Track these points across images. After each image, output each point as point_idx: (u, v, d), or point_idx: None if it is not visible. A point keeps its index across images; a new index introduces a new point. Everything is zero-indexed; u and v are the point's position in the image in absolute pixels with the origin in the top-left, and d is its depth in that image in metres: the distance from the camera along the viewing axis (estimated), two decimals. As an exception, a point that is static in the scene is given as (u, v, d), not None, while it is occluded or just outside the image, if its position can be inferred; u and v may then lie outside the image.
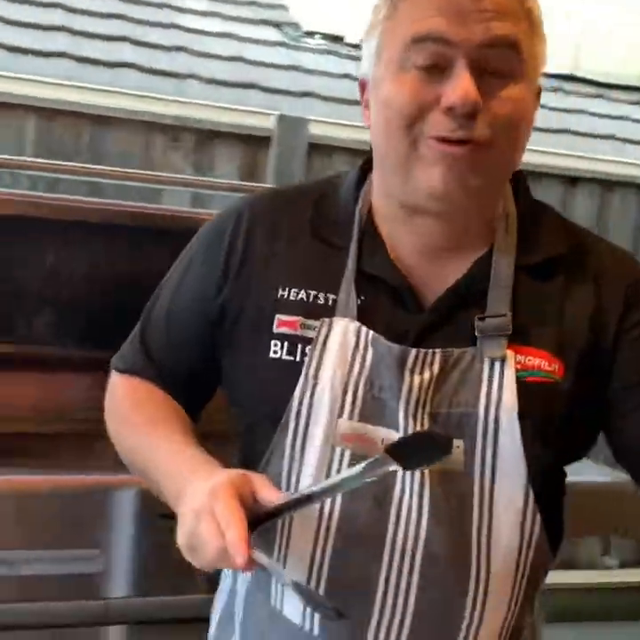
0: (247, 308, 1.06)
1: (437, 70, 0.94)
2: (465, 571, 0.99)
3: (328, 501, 0.98)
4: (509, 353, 0.99)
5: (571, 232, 1.10)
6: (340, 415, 1.00)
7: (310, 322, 1.02)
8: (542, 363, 1.00)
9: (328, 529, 0.99)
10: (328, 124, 3.60)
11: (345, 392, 1.00)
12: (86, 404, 1.94)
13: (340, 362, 1.01)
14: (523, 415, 0.98)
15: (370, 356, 1.01)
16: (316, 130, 3.45)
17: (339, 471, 0.99)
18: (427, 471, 0.97)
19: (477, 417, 0.99)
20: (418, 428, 0.99)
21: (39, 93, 3.18)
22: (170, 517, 0.96)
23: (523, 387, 0.99)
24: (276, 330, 1.04)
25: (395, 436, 0.99)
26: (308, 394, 1.01)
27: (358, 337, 1.01)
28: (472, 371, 0.99)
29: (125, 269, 2.03)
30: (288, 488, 1.01)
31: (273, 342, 1.03)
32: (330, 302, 1.03)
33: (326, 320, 1.02)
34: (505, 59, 0.95)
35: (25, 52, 3.68)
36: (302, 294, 1.04)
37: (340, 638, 1.01)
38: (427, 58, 0.94)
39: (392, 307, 1.03)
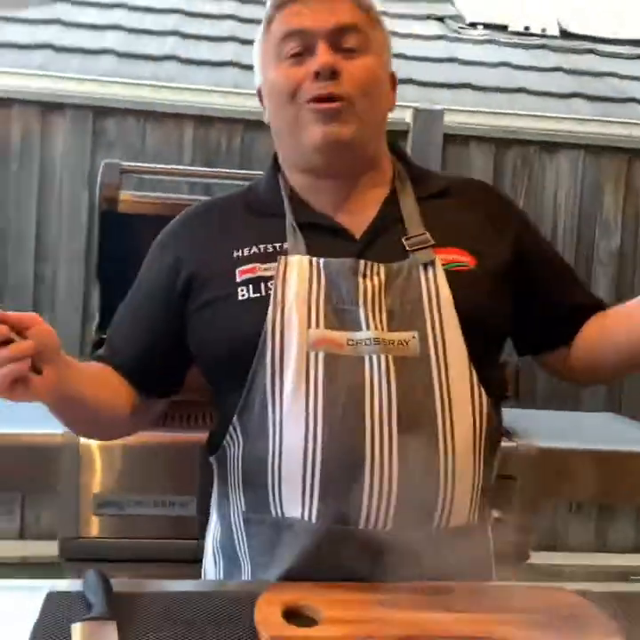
0: (211, 275, 1.29)
1: (306, 55, 1.26)
2: (434, 438, 1.19)
3: (311, 400, 1.18)
4: (436, 257, 1.26)
5: (443, 175, 1.51)
6: (309, 326, 1.20)
7: (267, 265, 1.25)
8: (459, 257, 1.28)
9: (315, 422, 1.18)
10: (467, 112, 3.71)
11: (309, 308, 1.21)
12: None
13: (300, 285, 1.22)
14: (456, 301, 1.23)
15: (323, 277, 1.24)
16: (454, 118, 3.58)
17: (316, 371, 1.19)
18: (391, 359, 1.19)
19: (423, 311, 1.23)
20: (377, 325, 1.21)
21: (198, 101, 3.51)
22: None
23: (449, 274, 1.25)
24: (239, 279, 1.26)
25: (357, 335, 1.20)
26: (279, 314, 1.22)
27: (311, 265, 1.24)
28: (411, 277, 1.24)
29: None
30: (273, 395, 1.21)
31: (239, 289, 1.26)
32: (278, 248, 1.27)
33: (282, 258, 1.25)
34: (352, 38, 1.27)
35: (198, 63, 4.01)
36: (254, 249, 1.28)
37: (334, 519, 1.18)
38: (294, 47, 1.27)
39: (330, 243, 1.28)
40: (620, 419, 2.77)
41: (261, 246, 1.28)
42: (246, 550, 1.30)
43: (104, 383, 1.31)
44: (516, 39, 4.84)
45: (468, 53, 4.49)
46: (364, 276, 1.24)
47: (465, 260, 1.28)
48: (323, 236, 1.29)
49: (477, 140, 3.58)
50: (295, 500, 1.20)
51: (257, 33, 1.36)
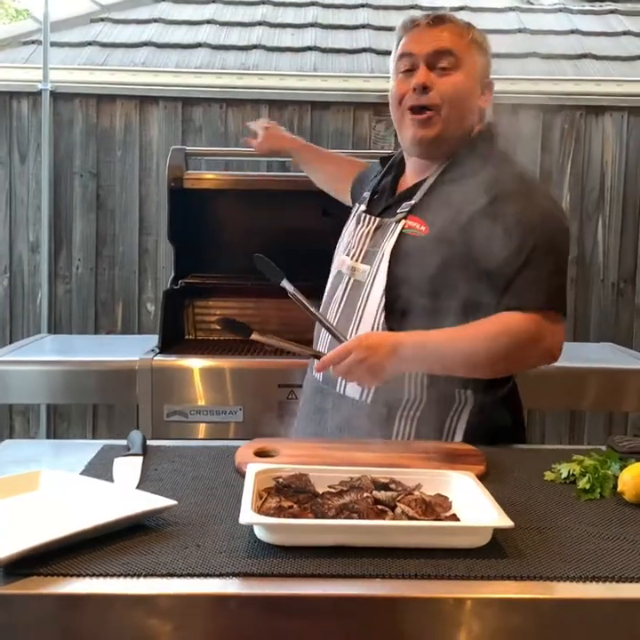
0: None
1: (413, 69, 1.76)
2: (347, 331, 1.76)
3: (324, 297, 1.92)
4: (403, 220, 1.75)
5: (476, 172, 1.74)
6: (343, 252, 1.90)
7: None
8: (417, 225, 1.73)
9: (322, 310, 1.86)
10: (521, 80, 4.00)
11: (346, 239, 1.91)
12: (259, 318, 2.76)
13: (350, 223, 1.93)
14: (394, 250, 1.73)
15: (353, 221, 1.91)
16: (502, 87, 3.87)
17: (331, 281, 1.92)
18: (353, 281, 1.81)
19: (377, 253, 1.77)
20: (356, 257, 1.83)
21: (278, 85, 3.93)
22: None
23: (402, 234, 1.74)
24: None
25: (347, 262, 1.85)
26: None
27: (360, 212, 1.90)
28: (385, 231, 1.78)
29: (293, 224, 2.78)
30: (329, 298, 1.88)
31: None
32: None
33: (356, 205, 1.95)
34: (446, 60, 1.75)
35: (282, 50, 4.43)
36: (366, 194, 1.95)
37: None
38: (405, 65, 1.79)
39: (382, 202, 1.87)
40: (617, 347, 3.10)
41: (366, 193, 1.94)
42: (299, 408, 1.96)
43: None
44: (587, 6, 4.99)
45: (538, 23, 4.70)
46: (362, 225, 1.86)
47: (421, 228, 1.72)
48: (382, 197, 1.89)
49: (525, 107, 3.84)
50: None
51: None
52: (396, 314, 1.69)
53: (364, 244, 1.81)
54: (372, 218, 1.83)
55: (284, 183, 2.74)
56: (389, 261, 1.71)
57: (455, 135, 1.77)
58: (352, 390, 1.75)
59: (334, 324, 1.76)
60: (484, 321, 1.61)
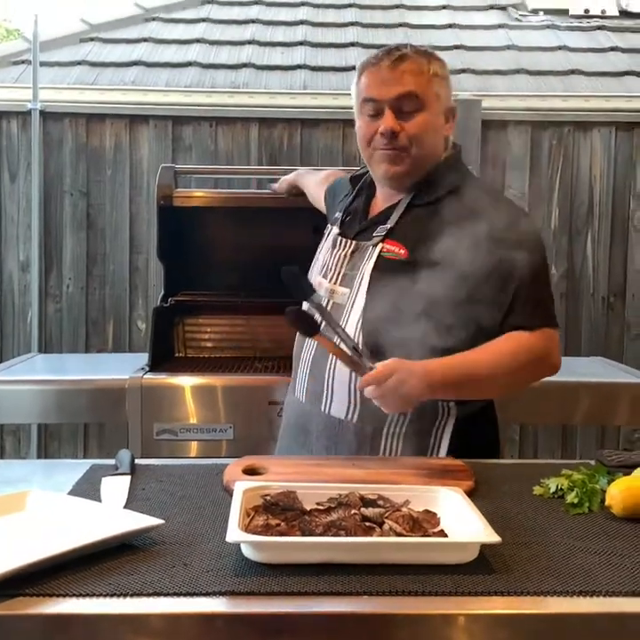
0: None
1: (379, 114, 1.78)
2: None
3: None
4: (380, 244, 1.77)
5: (447, 191, 1.80)
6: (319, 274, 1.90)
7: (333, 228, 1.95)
8: (396, 248, 1.75)
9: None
10: (508, 97, 4.03)
11: (321, 261, 1.91)
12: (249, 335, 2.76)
13: (324, 245, 1.94)
14: (374, 273, 1.74)
15: (328, 243, 1.92)
16: (493, 103, 3.91)
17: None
18: (331, 303, 1.81)
19: (355, 277, 1.79)
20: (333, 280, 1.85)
21: (269, 103, 3.94)
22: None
23: (380, 258, 1.76)
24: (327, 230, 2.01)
25: (325, 284, 1.86)
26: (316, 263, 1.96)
27: (331, 234, 1.93)
28: (363, 255, 1.80)
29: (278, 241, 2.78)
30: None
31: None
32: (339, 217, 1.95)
33: (329, 226, 1.95)
34: (410, 103, 1.76)
35: (271, 68, 4.45)
36: (337, 214, 1.96)
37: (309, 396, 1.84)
38: (370, 110, 1.80)
39: (354, 225, 1.89)
40: (608, 361, 3.11)
41: (338, 214, 1.96)
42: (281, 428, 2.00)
43: None
44: (575, 22, 5.02)
45: (527, 40, 4.73)
46: (339, 248, 1.87)
47: (400, 251, 1.75)
48: (355, 219, 1.91)
49: (514, 124, 3.88)
50: (302, 390, 1.88)
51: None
52: (372, 335, 1.69)
53: (341, 267, 1.84)
54: (349, 241, 1.85)
55: (274, 201, 2.74)
56: (369, 283, 1.74)
57: (425, 167, 1.82)
58: (337, 410, 1.76)
59: (314, 349, 1.80)
60: (498, 341, 1.66)
